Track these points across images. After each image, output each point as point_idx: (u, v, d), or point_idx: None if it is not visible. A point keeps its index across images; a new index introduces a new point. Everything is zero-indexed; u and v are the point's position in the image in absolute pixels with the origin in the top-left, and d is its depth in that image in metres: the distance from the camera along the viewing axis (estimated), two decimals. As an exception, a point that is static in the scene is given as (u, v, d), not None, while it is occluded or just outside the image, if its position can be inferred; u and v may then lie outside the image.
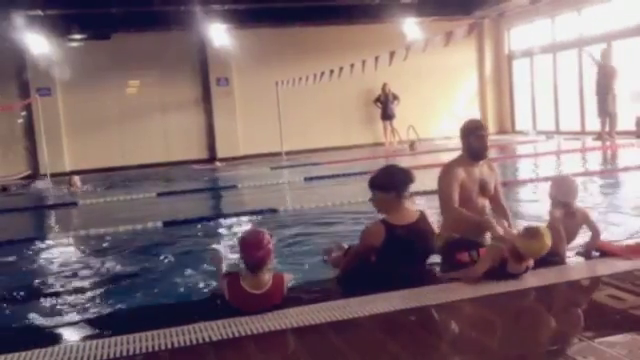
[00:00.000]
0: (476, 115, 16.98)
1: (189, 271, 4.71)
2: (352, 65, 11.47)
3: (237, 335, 3.04)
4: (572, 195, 4.18)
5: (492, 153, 4.56)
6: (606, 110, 12.39)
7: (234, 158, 15.53)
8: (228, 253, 5.12)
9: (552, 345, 2.81)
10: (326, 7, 14.88)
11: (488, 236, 4.14)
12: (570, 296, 3.52)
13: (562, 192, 4.16)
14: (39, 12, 12.98)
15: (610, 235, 4.58)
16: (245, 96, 16.07)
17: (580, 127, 14.70)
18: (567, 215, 4.09)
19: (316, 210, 7.21)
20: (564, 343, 2.77)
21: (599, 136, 12.69)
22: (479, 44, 17.68)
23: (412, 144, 14.88)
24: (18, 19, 12.71)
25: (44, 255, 5.78)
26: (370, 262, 3.78)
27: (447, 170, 4.27)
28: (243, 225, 6.64)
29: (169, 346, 2.96)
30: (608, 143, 12.14)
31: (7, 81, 14.86)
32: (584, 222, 4.18)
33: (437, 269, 4.04)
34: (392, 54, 9.99)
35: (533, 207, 6.10)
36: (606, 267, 3.82)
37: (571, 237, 4.15)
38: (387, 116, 16.31)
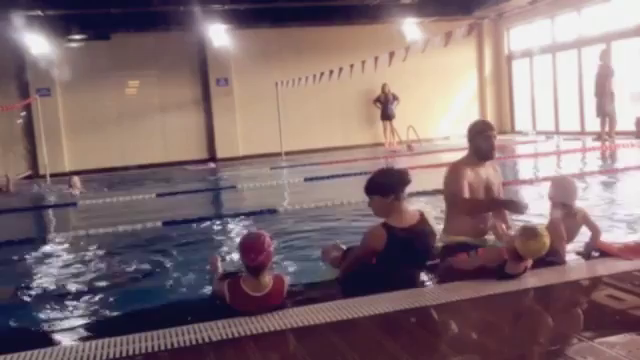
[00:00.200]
0: (475, 115, 17.02)
1: (189, 271, 4.70)
2: (352, 65, 11.48)
3: (237, 335, 3.04)
4: (572, 195, 4.18)
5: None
6: (605, 110, 12.41)
7: (234, 158, 15.54)
8: (227, 253, 5.12)
9: (552, 345, 2.81)
10: (326, 7, 14.88)
11: (488, 238, 4.15)
12: (570, 296, 3.52)
13: (562, 193, 4.16)
14: (39, 12, 12.99)
15: (610, 235, 4.58)
16: (245, 96, 16.06)
17: (580, 127, 14.71)
18: (567, 215, 4.09)
19: (316, 210, 7.21)
20: (564, 343, 2.77)
21: (599, 136, 12.70)
22: (479, 44, 17.68)
23: (409, 145, 14.90)
24: (18, 19, 12.71)
25: (43, 255, 5.77)
26: (370, 264, 3.76)
27: (455, 169, 4.22)
28: (243, 225, 6.64)
29: (169, 346, 2.96)
30: (608, 143, 12.15)
31: (7, 81, 14.84)
32: (584, 222, 4.18)
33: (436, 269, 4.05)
34: (392, 54, 10.00)
35: (533, 207, 6.09)
36: (606, 267, 3.82)
37: (571, 237, 4.15)
38: (387, 116, 16.31)
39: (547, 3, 14.45)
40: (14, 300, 4.34)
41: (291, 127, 15.52)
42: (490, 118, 17.51)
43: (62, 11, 13.44)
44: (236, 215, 7.30)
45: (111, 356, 2.88)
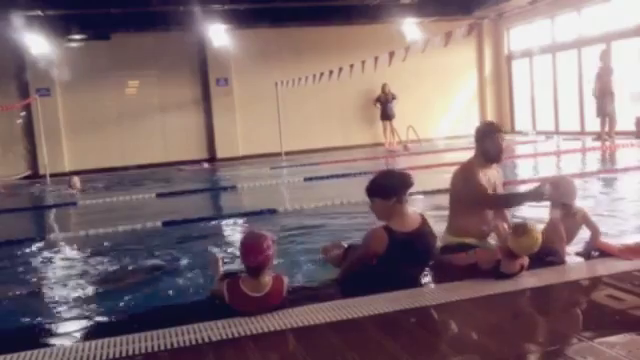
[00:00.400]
0: (475, 115, 17.03)
1: (189, 271, 4.71)
2: (352, 65, 11.48)
3: (237, 335, 3.04)
4: (571, 195, 4.18)
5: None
6: (605, 111, 12.41)
7: (234, 158, 15.53)
8: (228, 253, 5.12)
9: (551, 345, 2.81)
10: (326, 7, 14.88)
11: (489, 240, 4.15)
12: (570, 296, 3.52)
13: (561, 192, 4.16)
14: (39, 12, 12.99)
15: (610, 235, 4.57)
16: (244, 96, 16.06)
17: (580, 127, 14.71)
18: (566, 215, 4.10)
19: (316, 210, 7.21)
20: (564, 343, 2.77)
21: (599, 136, 12.70)
22: (478, 44, 17.68)
23: (405, 145, 14.90)
24: (18, 19, 12.71)
25: (43, 255, 5.78)
26: (371, 264, 3.74)
27: (468, 168, 4.19)
28: (243, 225, 6.65)
29: (169, 346, 2.96)
30: (608, 143, 12.15)
31: (7, 81, 14.84)
32: (583, 222, 4.18)
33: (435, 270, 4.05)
34: (391, 54, 9.99)
35: (533, 207, 6.10)
36: (605, 267, 3.82)
37: (570, 237, 4.15)
38: (387, 116, 16.31)
39: (547, 3, 14.45)
40: (14, 300, 4.34)
41: (291, 127, 15.52)
42: (490, 118, 17.51)
43: (62, 11, 13.44)
44: (236, 215, 7.30)
45: (111, 356, 2.88)
